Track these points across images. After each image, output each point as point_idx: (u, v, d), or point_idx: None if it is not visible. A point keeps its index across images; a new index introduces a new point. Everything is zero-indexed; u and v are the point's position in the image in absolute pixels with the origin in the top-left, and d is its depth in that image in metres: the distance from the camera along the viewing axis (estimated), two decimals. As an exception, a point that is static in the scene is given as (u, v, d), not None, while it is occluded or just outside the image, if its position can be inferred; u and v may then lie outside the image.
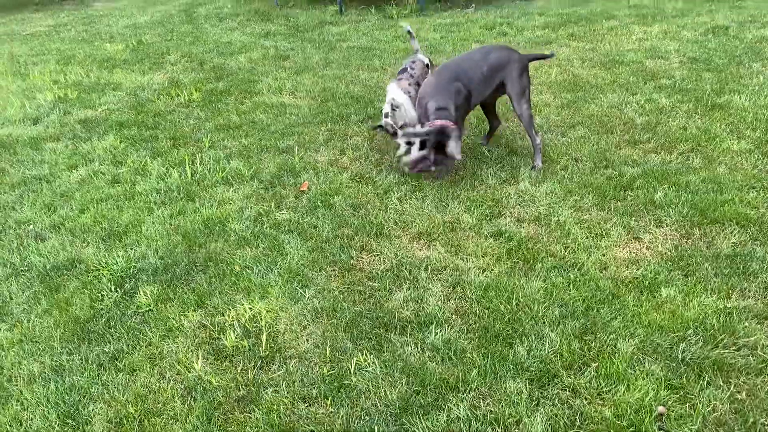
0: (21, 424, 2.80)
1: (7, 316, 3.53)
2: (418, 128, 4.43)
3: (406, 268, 3.63)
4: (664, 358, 2.88)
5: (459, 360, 2.93)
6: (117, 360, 3.10)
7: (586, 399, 2.71)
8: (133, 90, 7.49)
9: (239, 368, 2.99)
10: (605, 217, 4.08)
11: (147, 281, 3.69)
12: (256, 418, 2.71)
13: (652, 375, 2.78)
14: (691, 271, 3.48)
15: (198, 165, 5.15)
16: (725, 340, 2.95)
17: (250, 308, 3.36)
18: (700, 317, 3.10)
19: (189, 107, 6.77)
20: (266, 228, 4.14)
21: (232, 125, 6.12)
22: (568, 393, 2.73)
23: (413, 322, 3.19)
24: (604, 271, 3.54)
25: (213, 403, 2.80)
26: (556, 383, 2.78)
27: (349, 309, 3.32)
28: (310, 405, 2.77)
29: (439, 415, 2.66)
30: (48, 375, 3.05)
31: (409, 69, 5.34)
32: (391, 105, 4.91)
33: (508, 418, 2.63)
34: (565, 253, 3.71)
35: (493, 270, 3.59)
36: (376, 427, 2.62)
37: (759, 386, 2.72)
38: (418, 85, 5.16)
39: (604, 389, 2.73)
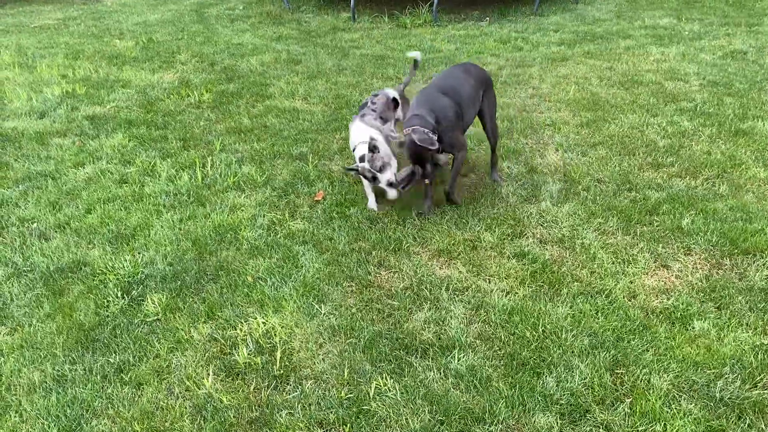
0: (19, 438, 2.64)
1: (7, 319, 3.37)
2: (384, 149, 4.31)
3: (426, 287, 3.49)
4: (702, 396, 2.73)
5: (484, 389, 2.78)
6: (123, 372, 2.94)
7: (619, 437, 2.56)
8: (143, 88, 7.35)
9: (252, 387, 2.84)
10: (631, 242, 3.94)
11: (155, 288, 3.53)
12: (270, 443, 2.56)
13: (690, 415, 2.63)
14: (725, 304, 3.34)
15: (209, 168, 5.00)
16: (765, 380, 2.81)
17: (263, 322, 3.21)
18: (737, 354, 2.96)
19: (199, 108, 6.63)
20: (280, 238, 3.99)
21: (244, 128, 5.97)
22: (601, 431, 2.58)
23: (435, 346, 3.04)
24: (633, 300, 3.40)
25: (224, 424, 2.64)
26: (588, 419, 2.63)
27: (367, 328, 3.17)
28: (327, 431, 2.61)
29: (464, 448, 2.51)
30: (49, 385, 2.89)
31: (370, 104, 4.80)
32: (370, 145, 4.16)
33: (538, 455, 2.48)
34: (592, 279, 3.57)
35: (517, 293, 3.44)
36: (397, 459, 2.47)
37: (802, 431, 2.58)
38: (383, 119, 4.72)
39: (640, 428, 2.58)
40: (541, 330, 3.13)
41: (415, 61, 5.50)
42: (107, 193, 4.67)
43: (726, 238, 3.90)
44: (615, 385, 2.81)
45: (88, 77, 7.82)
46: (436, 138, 3.97)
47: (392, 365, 2.92)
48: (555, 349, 3.01)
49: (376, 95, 4.95)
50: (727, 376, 2.84)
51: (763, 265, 3.64)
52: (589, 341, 3.06)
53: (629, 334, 3.10)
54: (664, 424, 2.59)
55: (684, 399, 2.72)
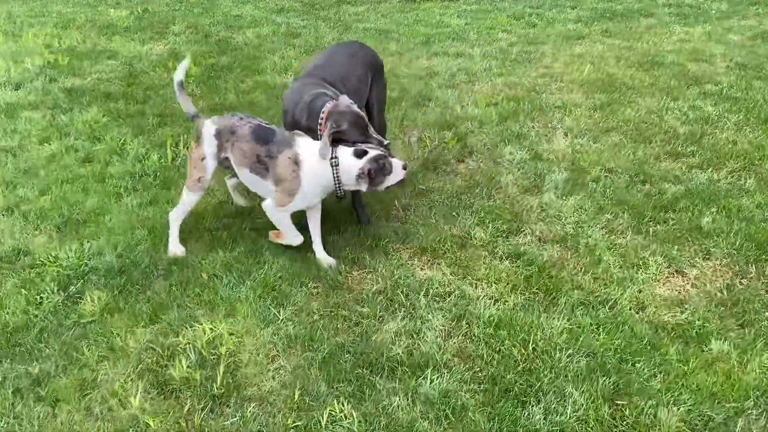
0: None
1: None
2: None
3: (402, 291, 3.05)
4: (718, 438, 2.28)
5: (458, 420, 2.35)
6: (40, 385, 2.54)
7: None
8: (129, 60, 6.91)
9: (185, 408, 2.42)
10: (643, 243, 3.46)
11: (97, 284, 3.12)
12: (197, 480, 2.16)
13: (703, 463, 2.19)
14: (749, 321, 2.86)
15: (182, 147, 4.57)
16: (795, 419, 2.35)
17: (210, 328, 2.78)
18: (763, 384, 2.50)
19: (185, 82, 6.19)
20: (246, 229, 3.55)
21: (228, 105, 5.52)
22: (594, 480, 2.15)
23: (405, 364, 2.61)
24: (641, 312, 2.94)
25: (145, 456, 2.24)
26: (579, 464, 2.20)
27: (329, 339, 2.74)
28: (265, 467, 2.20)
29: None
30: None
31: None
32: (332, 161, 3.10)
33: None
34: (595, 286, 3.11)
35: (506, 301, 2.99)
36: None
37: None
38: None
39: (641, 478, 2.14)
40: (531, 348, 2.68)
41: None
42: (67, 173, 4.26)
43: (752, 242, 3.41)
44: (614, 419, 2.36)
45: (73, 48, 7.39)
46: None
47: (352, 386, 2.50)
48: (546, 371, 2.57)
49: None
50: (749, 411, 2.39)
51: (795, 274, 3.16)
52: (587, 363, 2.61)
53: (635, 356, 2.65)
54: (671, 474, 2.15)
55: (697, 441, 2.27)
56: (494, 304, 2.97)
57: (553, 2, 9.36)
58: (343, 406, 2.40)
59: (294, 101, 3.36)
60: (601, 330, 2.79)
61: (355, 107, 3.16)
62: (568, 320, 2.86)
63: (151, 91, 5.92)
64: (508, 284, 3.10)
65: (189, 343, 2.71)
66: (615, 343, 2.70)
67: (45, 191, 4.03)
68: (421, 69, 6.35)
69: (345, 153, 3.08)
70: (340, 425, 2.33)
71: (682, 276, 3.21)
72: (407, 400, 2.43)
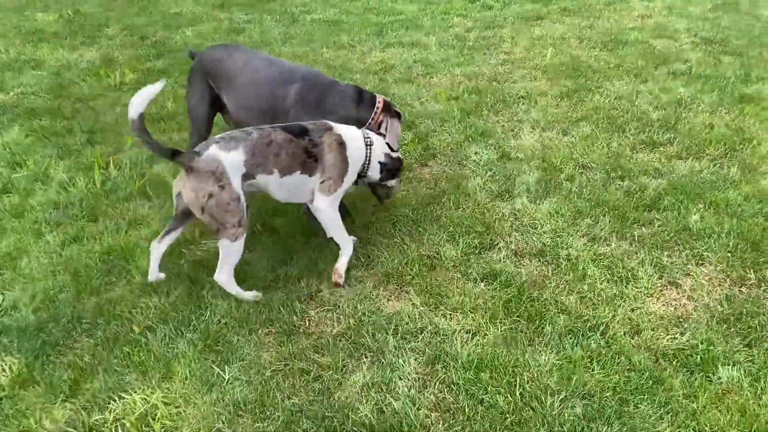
0: None
1: None
2: None
3: (368, 331, 2.66)
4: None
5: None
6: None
7: None
8: (57, 69, 6.33)
9: None
10: (628, 251, 3.14)
11: (9, 349, 2.66)
12: None
13: None
14: (756, 339, 2.55)
15: (112, 169, 4.08)
16: (826, 463, 2.04)
17: (142, 399, 2.36)
18: (783, 420, 2.18)
19: (119, 90, 5.66)
20: (185, 264, 3.12)
21: (166, 115, 5.04)
22: None
23: (374, 430, 2.22)
24: (636, 337, 2.60)
25: None
26: None
27: (283, 402, 2.34)
28: None
29: None
30: None
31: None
32: (367, 140, 3.18)
33: None
34: (582, 308, 2.77)
35: (486, 335, 2.62)
36: None
37: None
38: None
39: None
40: (518, 393, 2.32)
41: None
42: (-19, 209, 3.75)
43: (746, 241, 3.12)
44: (622, 481, 2.02)
45: (-6, 59, 6.77)
46: None
47: (313, 464, 2.11)
48: (538, 424, 2.21)
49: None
50: (773, 457, 2.06)
51: (798, 278, 2.87)
52: (584, 409, 2.26)
53: (636, 394, 2.31)
54: None
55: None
56: (472, 339, 2.60)
57: (507, -18, 8.98)
58: (303, 491, 2.01)
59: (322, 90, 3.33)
60: (595, 364, 2.45)
61: None
62: (556, 354, 2.51)
63: (81, 103, 5.38)
64: (486, 312, 2.74)
65: (117, 421, 2.28)
66: (612, 380, 2.36)
67: (-47, 233, 3.53)
68: (375, 63, 5.93)
69: (379, 140, 3.20)
70: None
71: (677, 288, 2.89)
72: (379, 477, 2.06)
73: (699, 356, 2.47)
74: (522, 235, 3.31)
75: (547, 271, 3.02)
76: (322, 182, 2.96)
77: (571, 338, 2.58)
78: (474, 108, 4.83)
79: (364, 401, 2.33)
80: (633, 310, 2.74)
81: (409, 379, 2.42)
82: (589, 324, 2.66)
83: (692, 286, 2.88)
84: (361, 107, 3.35)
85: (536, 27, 6.84)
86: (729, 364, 2.43)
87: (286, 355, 2.55)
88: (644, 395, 2.30)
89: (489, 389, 2.34)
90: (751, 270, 2.93)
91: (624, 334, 2.59)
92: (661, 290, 2.88)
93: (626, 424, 2.20)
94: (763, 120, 4.37)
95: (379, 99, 3.40)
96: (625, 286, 2.88)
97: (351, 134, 3.07)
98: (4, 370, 2.54)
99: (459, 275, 3.01)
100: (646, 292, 2.86)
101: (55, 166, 4.23)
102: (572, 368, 2.43)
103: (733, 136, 4.17)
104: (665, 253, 3.09)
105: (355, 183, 3.22)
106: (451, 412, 2.28)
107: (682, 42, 6.15)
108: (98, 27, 7.90)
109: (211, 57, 3.49)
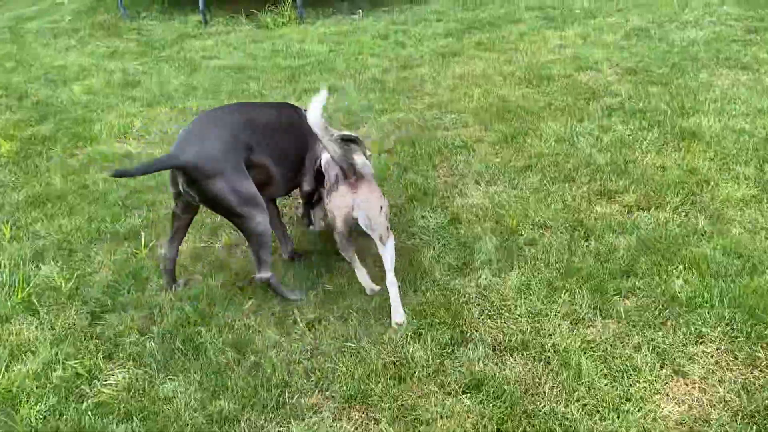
0: None
1: None
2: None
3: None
4: None
5: None
6: None
7: None
8: None
9: None
10: (618, 332, 2.75)
11: None
12: None
13: None
14: (793, 442, 2.20)
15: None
16: None
17: None
18: None
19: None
20: (86, 410, 2.44)
21: (53, 195, 4.30)
22: None
23: None
24: (660, 456, 2.19)
25: None
26: None
27: None
28: None
29: None
30: None
31: None
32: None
33: None
34: (587, 419, 2.33)
35: (486, 476, 2.13)
36: None
37: None
38: None
39: None
40: None
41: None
42: None
43: (741, 309, 2.80)
44: None
45: None
46: None
47: None
48: None
49: None
50: None
51: (812, 352, 2.56)
52: None
53: None
54: None
55: None
56: (469, 483, 2.10)
57: (415, 17, 8.72)
58: None
59: None
60: (623, 504, 2.00)
61: None
62: (575, 495, 2.05)
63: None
64: (478, 442, 2.25)
65: None
66: None
67: None
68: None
69: None
70: None
71: (684, 377, 2.51)
72: None
73: (738, 475, 2.09)
74: (495, 322, 2.86)
75: (536, 371, 2.57)
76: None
77: (586, 467, 2.13)
78: (410, 163, 4.40)
79: None
80: (644, 416, 2.33)
81: None
82: (601, 443, 2.22)
83: (701, 374, 2.51)
84: None
85: (455, 64, 6.55)
86: (773, 481, 2.05)
87: None
88: None
89: None
90: (759, 347, 2.60)
91: (645, 454, 2.17)
92: (666, 382, 2.49)
93: None
94: (712, 158, 4.17)
95: None
96: (628, 382, 2.48)
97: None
98: None
99: (435, 387, 2.51)
100: (652, 386, 2.46)
101: None
102: None
103: (688, 179, 3.93)
104: (660, 333, 2.72)
105: None
106: None
107: (606, 73, 6.00)
108: (-34, 87, 6.95)
109: None
